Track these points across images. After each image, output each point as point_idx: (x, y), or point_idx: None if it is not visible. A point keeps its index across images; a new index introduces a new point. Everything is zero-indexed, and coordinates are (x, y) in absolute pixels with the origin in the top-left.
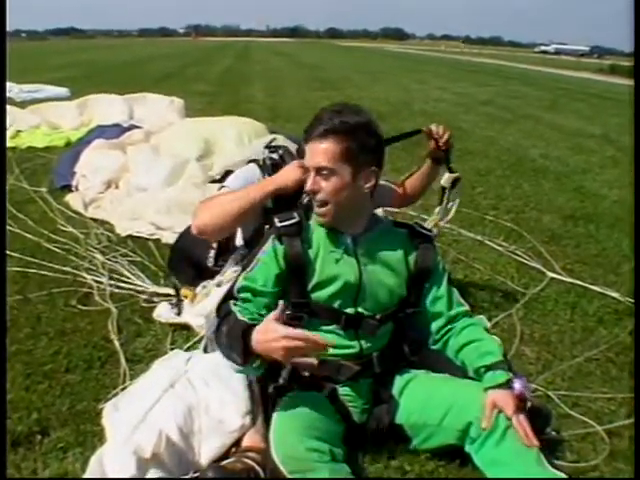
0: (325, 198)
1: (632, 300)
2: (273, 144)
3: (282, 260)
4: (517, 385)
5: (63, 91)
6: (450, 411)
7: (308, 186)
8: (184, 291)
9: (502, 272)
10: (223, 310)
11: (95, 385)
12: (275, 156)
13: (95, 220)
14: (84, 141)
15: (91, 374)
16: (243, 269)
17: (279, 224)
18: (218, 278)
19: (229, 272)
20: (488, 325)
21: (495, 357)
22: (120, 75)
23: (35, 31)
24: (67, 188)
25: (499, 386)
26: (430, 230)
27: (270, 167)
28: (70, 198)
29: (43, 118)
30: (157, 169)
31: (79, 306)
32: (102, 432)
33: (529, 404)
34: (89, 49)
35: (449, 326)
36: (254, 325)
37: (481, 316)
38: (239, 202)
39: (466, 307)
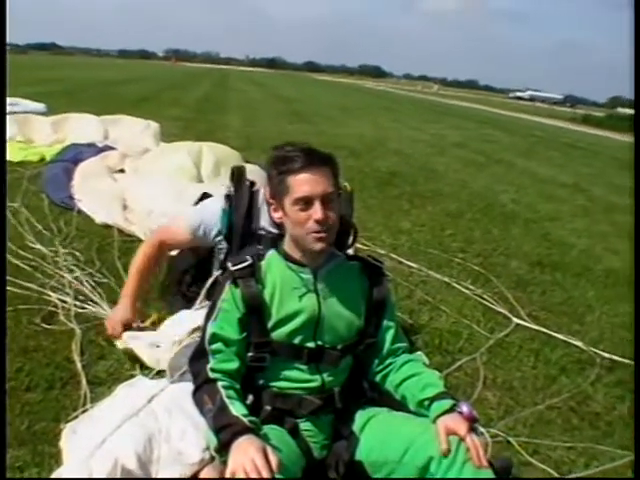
0: (333, 224)
1: (595, 350)
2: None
3: (241, 303)
4: (465, 408)
5: (40, 107)
6: (411, 447)
7: (319, 216)
8: (154, 316)
9: (468, 315)
10: (199, 371)
11: (55, 405)
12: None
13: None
14: (62, 159)
15: (52, 394)
16: (207, 319)
17: (232, 268)
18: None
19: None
20: (427, 361)
21: (437, 388)
22: (97, 95)
23: (16, 44)
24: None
25: (447, 412)
26: (381, 262)
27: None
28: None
29: (19, 129)
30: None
31: (43, 325)
32: (60, 454)
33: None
34: (68, 66)
35: (390, 360)
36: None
37: (420, 352)
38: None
39: (407, 343)
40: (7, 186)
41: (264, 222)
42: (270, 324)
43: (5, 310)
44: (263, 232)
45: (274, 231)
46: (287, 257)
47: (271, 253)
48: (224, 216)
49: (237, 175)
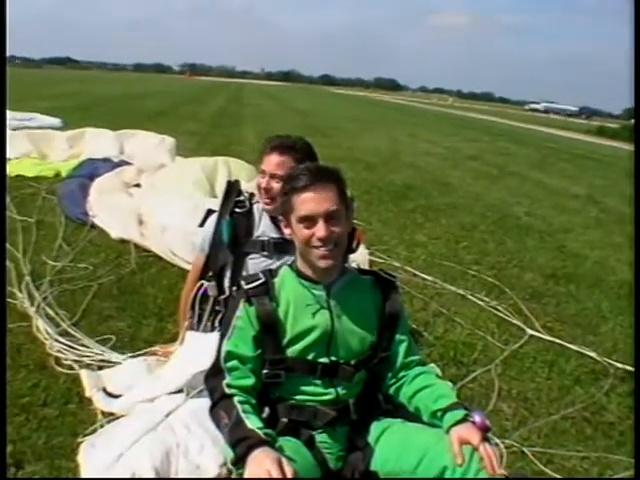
0: (339, 241)
1: (609, 360)
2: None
3: (255, 321)
4: (477, 417)
5: (56, 121)
6: (425, 457)
7: (322, 234)
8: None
9: (482, 327)
10: (215, 387)
11: (72, 420)
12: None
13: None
14: (78, 174)
15: (68, 409)
16: (221, 337)
17: (246, 286)
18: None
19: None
20: (439, 373)
21: (450, 399)
22: (113, 109)
23: (30, 59)
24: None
25: (460, 422)
26: (394, 276)
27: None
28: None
29: (35, 146)
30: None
31: (60, 339)
32: (77, 468)
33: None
34: (83, 81)
35: (403, 373)
36: (254, 440)
37: (432, 364)
38: None
39: (420, 356)
40: (7, 189)
41: (265, 229)
42: (284, 341)
43: (5, 312)
44: (265, 238)
45: (275, 236)
46: (299, 274)
47: (284, 270)
48: (227, 227)
49: (230, 189)
